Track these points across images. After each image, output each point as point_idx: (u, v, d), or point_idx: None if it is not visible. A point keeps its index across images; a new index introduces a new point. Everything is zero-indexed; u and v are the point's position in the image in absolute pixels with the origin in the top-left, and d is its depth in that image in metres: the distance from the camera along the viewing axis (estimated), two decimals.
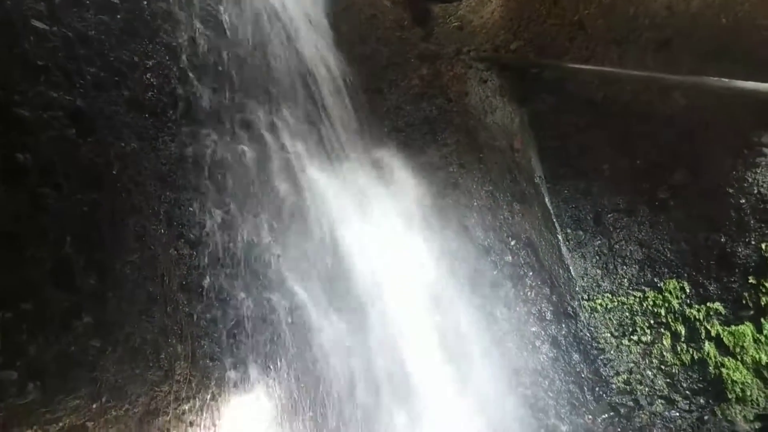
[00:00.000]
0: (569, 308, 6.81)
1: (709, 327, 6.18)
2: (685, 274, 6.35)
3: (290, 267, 5.72)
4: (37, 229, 3.61)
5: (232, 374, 5.02)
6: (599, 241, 6.87)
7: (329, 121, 7.03)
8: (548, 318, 6.92)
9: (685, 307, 6.30)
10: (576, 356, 6.74)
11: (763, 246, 5.91)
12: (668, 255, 6.47)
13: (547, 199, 7.57)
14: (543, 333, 6.91)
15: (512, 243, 7.23)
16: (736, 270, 6.05)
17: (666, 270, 6.45)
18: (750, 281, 5.99)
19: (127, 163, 4.38)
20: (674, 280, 6.37)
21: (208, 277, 4.95)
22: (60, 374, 3.56)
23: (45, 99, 3.85)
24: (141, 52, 4.93)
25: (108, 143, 4.23)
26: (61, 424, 3.79)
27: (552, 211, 7.46)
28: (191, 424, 4.77)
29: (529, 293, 7.06)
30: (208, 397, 4.83)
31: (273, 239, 5.63)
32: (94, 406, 3.91)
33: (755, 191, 5.99)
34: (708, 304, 6.20)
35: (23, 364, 3.36)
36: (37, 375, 3.43)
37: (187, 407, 4.69)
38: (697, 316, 6.22)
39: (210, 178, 5.19)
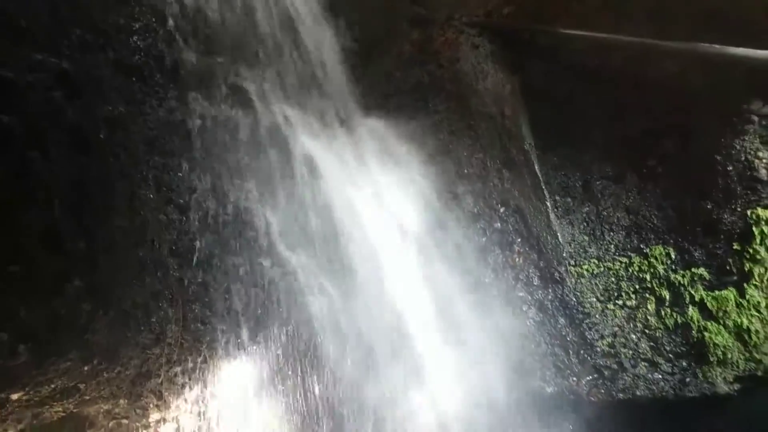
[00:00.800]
0: (556, 274, 6.90)
1: (693, 292, 6.29)
2: (671, 241, 6.44)
3: (281, 232, 5.74)
4: (25, 193, 3.59)
5: (223, 338, 5.09)
6: (587, 208, 6.93)
7: (319, 86, 6.97)
8: (535, 283, 7.02)
9: (670, 272, 6.40)
10: (562, 320, 6.86)
11: (749, 213, 5.99)
12: (655, 222, 6.55)
13: (536, 167, 7.59)
14: (530, 298, 7.01)
15: (501, 210, 7.28)
16: (722, 236, 6.15)
17: (652, 236, 6.53)
18: (734, 247, 6.08)
19: (114, 128, 4.34)
20: (660, 246, 6.46)
21: (198, 242, 4.97)
22: (51, 337, 3.60)
23: (30, 61, 3.79)
24: (127, 14, 4.84)
25: (95, 106, 4.19)
26: (53, 386, 3.85)
27: (541, 179, 7.49)
28: (183, 386, 4.86)
29: (517, 259, 7.14)
30: (200, 360, 4.90)
31: (263, 205, 5.64)
32: (86, 368, 3.97)
33: (742, 158, 6.04)
34: (693, 269, 6.31)
35: (13, 326, 3.39)
36: (27, 337, 3.46)
37: (179, 369, 4.76)
38: (681, 282, 6.33)
39: (199, 143, 5.15)
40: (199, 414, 5.05)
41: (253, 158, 5.73)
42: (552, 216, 7.07)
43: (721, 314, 6.18)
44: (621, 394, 6.60)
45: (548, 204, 7.11)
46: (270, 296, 5.58)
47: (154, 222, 4.58)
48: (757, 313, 6.09)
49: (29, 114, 3.66)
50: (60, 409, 4.01)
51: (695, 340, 6.31)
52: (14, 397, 3.57)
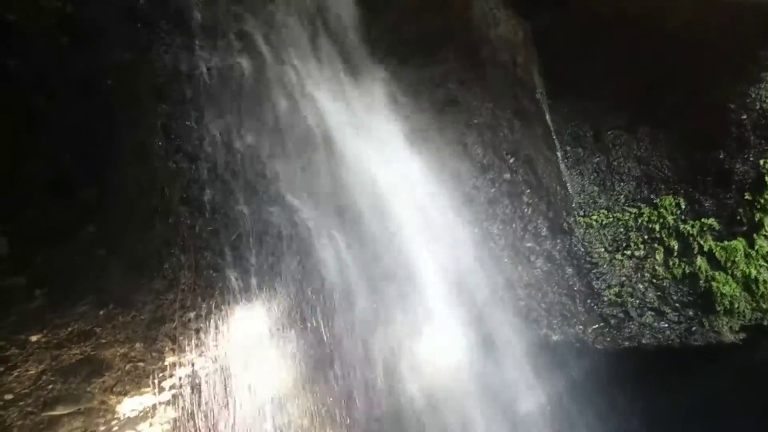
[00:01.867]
0: (565, 224, 6.91)
1: (702, 242, 6.30)
2: (682, 191, 6.40)
3: (290, 182, 5.76)
4: (33, 141, 3.62)
5: (235, 284, 5.18)
6: (598, 158, 6.87)
7: (328, 36, 6.86)
8: (544, 234, 7.03)
9: (680, 222, 6.39)
10: (569, 270, 6.90)
11: (761, 162, 5.93)
12: (666, 172, 6.50)
13: (547, 116, 7.50)
14: (538, 248, 7.04)
15: (511, 160, 7.23)
16: (733, 186, 6.11)
17: (663, 186, 6.49)
18: (746, 197, 6.05)
19: (121, 75, 4.32)
20: (670, 197, 6.43)
21: (207, 191, 5.01)
22: (67, 282, 3.69)
23: (35, 6, 3.75)
24: None
25: (101, 53, 4.16)
26: (69, 329, 3.98)
27: (552, 128, 7.40)
28: (197, 331, 4.98)
29: (525, 210, 7.14)
30: (213, 305, 5.01)
31: (272, 154, 5.64)
32: (101, 312, 4.08)
33: (757, 107, 5.94)
34: (702, 219, 6.30)
35: (30, 271, 3.48)
36: (44, 282, 3.56)
37: (192, 315, 4.88)
38: (690, 232, 6.33)
39: (206, 92, 5.13)
40: (213, 358, 5.20)
41: (261, 108, 5.70)
42: (562, 166, 7.03)
43: (729, 264, 6.20)
44: (626, 342, 6.70)
45: (558, 154, 7.06)
46: (279, 245, 5.65)
47: (164, 170, 4.61)
48: (765, 264, 6.11)
49: (35, 60, 3.65)
50: (77, 351, 4.15)
51: (702, 289, 6.35)
52: (33, 338, 3.69)
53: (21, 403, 4.03)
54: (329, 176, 6.04)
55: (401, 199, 6.47)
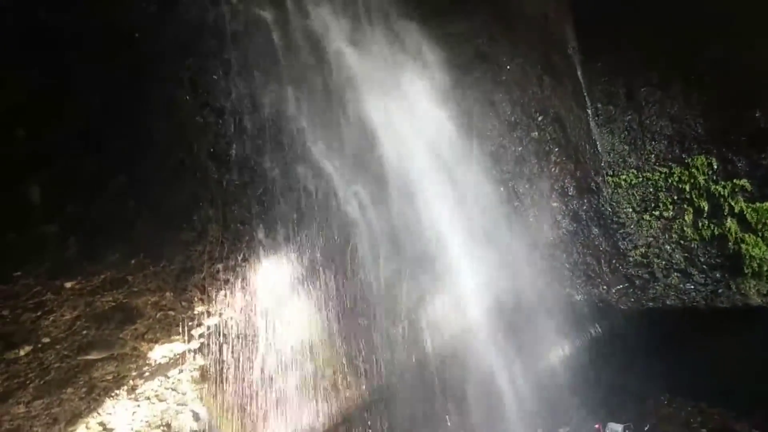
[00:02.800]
0: (593, 184, 6.82)
1: (733, 203, 6.17)
2: (714, 150, 6.24)
3: (315, 139, 5.78)
4: (64, 92, 3.69)
5: (261, 238, 5.28)
6: (629, 117, 6.71)
7: None
8: (571, 193, 6.97)
9: (711, 183, 6.26)
10: (596, 230, 6.86)
11: None
12: (699, 131, 6.33)
13: (579, 73, 7.32)
14: (564, 208, 7.00)
15: (539, 118, 7.12)
16: (767, 147, 5.94)
17: (695, 146, 6.34)
18: None
19: (147, 28, 4.33)
20: (702, 156, 6.28)
21: (234, 146, 5.05)
22: (98, 231, 3.80)
23: None
24: None
25: (127, 5, 4.17)
26: (102, 277, 4.12)
27: (583, 85, 7.23)
28: (225, 282, 5.12)
29: (553, 169, 7.07)
30: (240, 258, 5.12)
31: (298, 111, 5.65)
32: (132, 261, 4.20)
33: None
34: (734, 180, 6.15)
35: (62, 220, 3.59)
36: (76, 231, 3.67)
37: (220, 266, 5.00)
38: (722, 193, 6.20)
39: (232, 46, 5.12)
40: (240, 309, 5.35)
41: (288, 63, 5.68)
42: (592, 124, 6.90)
43: (760, 226, 6.08)
44: (651, 303, 6.68)
45: (589, 112, 6.92)
46: (305, 200, 5.71)
47: (192, 125, 4.66)
48: None
49: (68, 13, 3.68)
50: (110, 299, 4.30)
51: (731, 251, 6.26)
52: (68, 285, 3.84)
53: (57, 347, 4.23)
54: (354, 133, 6.04)
55: (427, 157, 6.45)
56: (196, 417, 5.71)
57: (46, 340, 4.05)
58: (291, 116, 5.65)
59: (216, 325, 5.29)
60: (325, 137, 5.80)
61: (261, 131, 5.38)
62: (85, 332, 4.31)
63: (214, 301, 5.09)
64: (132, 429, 5.40)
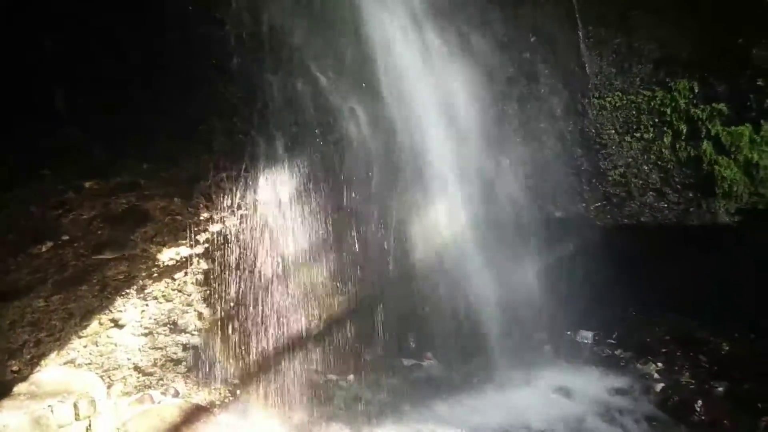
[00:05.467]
0: (579, 105, 7.06)
1: (710, 126, 6.46)
2: (697, 75, 6.44)
3: (313, 55, 5.91)
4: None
5: (262, 150, 5.53)
6: (619, 39, 6.84)
7: None
8: (557, 114, 7.21)
9: (691, 107, 6.51)
10: (579, 151, 7.16)
11: None
12: (684, 55, 6.51)
13: None
14: (550, 129, 7.26)
15: (532, 39, 7.24)
16: (747, 72, 6.15)
17: (680, 70, 6.53)
18: (758, 83, 6.13)
19: None
20: (685, 80, 6.49)
21: (235, 57, 5.19)
22: (116, 135, 4.03)
23: None
24: None
25: None
26: (118, 179, 4.39)
27: (576, 7, 7.29)
28: (229, 190, 5.41)
29: (542, 90, 7.27)
30: (243, 168, 5.39)
31: (297, 24, 5.73)
32: (145, 166, 4.46)
33: None
34: (713, 104, 6.40)
35: (84, 124, 3.81)
36: (99, 136, 3.90)
37: (224, 175, 5.28)
38: (700, 116, 6.47)
39: None
40: (241, 216, 5.67)
41: None
42: (582, 47, 7.03)
43: (733, 149, 6.41)
44: (626, 220, 7.11)
45: (580, 34, 7.02)
46: (303, 115, 5.92)
47: (197, 37, 4.78)
48: None
49: None
50: (124, 201, 4.59)
51: (705, 172, 6.60)
52: (87, 185, 4.10)
53: (75, 245, 4.54)
54: (353, 51, 6.15)
55: (419, 76, 6.60)
56: (200, 317, 6.15)
57: (66, 237, 4.36)
58: (289, 31, 5.74)
59: (220, 231, 5.62)
60: (323, 54, 5.93)
61: (260, 44, 5.49)
62: (100, 232, 4.63)
63: (218, 209, 5.39)
64: (141, 326, 5.84)
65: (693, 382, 6.55)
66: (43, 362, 5.14)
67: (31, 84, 3.57)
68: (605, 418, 5.87)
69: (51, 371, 5.22)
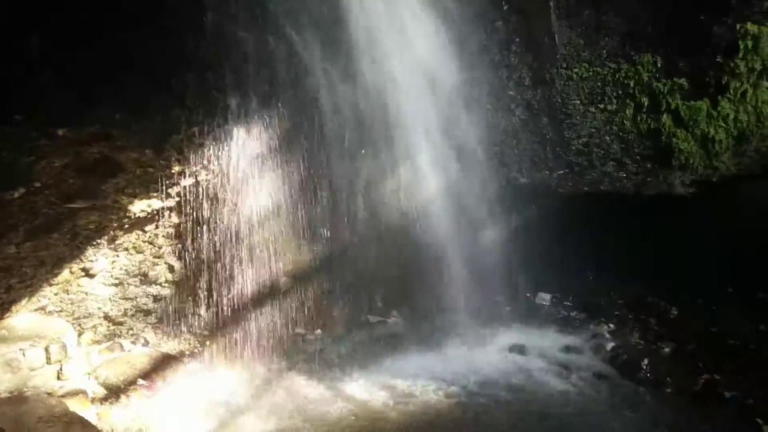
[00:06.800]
0: (547, 75, 7.22)
1: (670, 100, 6.69)
2: (661, 50, 6.64)
3: (287, 11, 5.94)
4: None
5: (235, 106, 5.60)
6: (589, 11, 6.98)
7: None
8: (526, 83, 7.38)
9: (653, 80, 6.73)
10: (545, 120, 7.36)
11: (738, 26, 6.17)
12: (649, 30, 6.68)
13: None
14: (519, 97, 7.44)
15: (505, 8, 7.34)
16: (708, 49, 6.37)
17: (644, 44, 6.72)
18: (717, 60, 6.37)
19: None
20: (649, 54, 6.68)
21: (209, 14, 5.22)
22: (91, 84, 4.08)
23: None
24: None
25: None
26: (90, 129, 4.46)
27: None
28: (201, 145, 5.50)
29: (512, 59, 7.41)
30: (215, 123, 5.47)
31: None
32: (117, 116, 4.53)
33: None
34: (674, 79, 6.63)
35: (57, 70, 3.85)
36: (70, 83, 3.95)
37: (196, 130, 5.36)
38: (662, 90, 6.70)
39: None
40: (213, 171, 5.77)
41: None
42: (553, 17, 7.17)
43: (691, 123, 6.67)
44: (586, 188, 7.38)
45: (551, 4, 7.15)
46: (276, 73, 5.98)
47: None
48: (724, 125, 6.58)
49: None
50: (96, 150, 4.66)
51: (663, 145, 6.87)
52: (60, 132, 4.17)
53: (47, 192, 4.61)
54: (326, 10, 6.20)
55: (392, 38, 6.68)
56: (171, 269, 6.28)
57: (38, 184, 4.43)
58: None
59: (191, 185, 5.72)
60: (297, 11, 5.96)
61: (234, 1, 5.52)
62: (71, 181, 4.70)
63: (190, 163, 5.48)
64: (112, 276, 5.95)
65: (642, 342, 6.96)
66: (14, 308, 5.25)
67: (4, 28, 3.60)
68: (554, 372, 6.24)
69: (22, 317, 5.34)
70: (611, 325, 7.38)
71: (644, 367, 6.32)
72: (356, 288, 7.37)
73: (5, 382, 4.69)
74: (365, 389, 5.92)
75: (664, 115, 6.81)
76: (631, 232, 7.36)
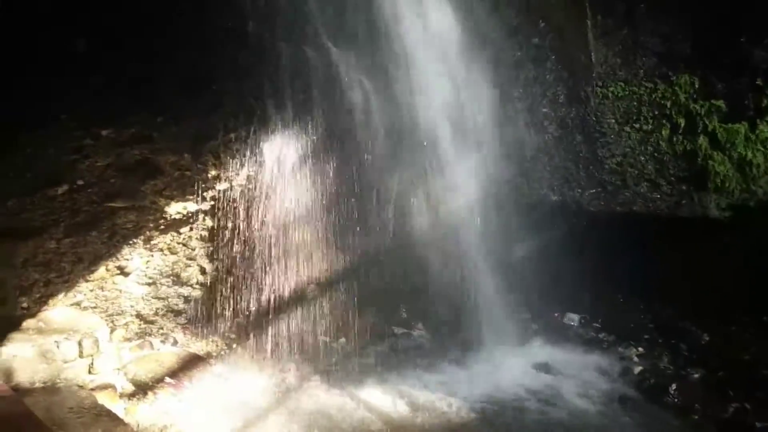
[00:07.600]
0: (582, 93, 7.21)
1: (707, 122, 6.62)
2: (699, 71, 6.59)
3: (325, 23, 6.08)
4: None
5: (271, 115, 5.74)
6: (625, 31, 6.98)
7: None
8: (561, 101, 7.38)
9: (691, 101, 6.67)
10: (579, 137, 7.34)
11: None
12: (688, 51, 6.64)
13: None
14: (553, 114, 7.43)
15: (542, 25, 7.37)
16: (747, 71, 6.29)
17: (682, 65, 6.67)
18: (757, 83, 6.27)
19: None
20: (687, 75, 6.63)
21: (250, 23, 5.37)
22: (131, 87, 4.24)
23: None
24: None
25: None
26: (132, 130, 4.62)
27: None
28: (237, 151, 5.63)
29: (548, 76, 7.42)
30: (251, 130, 5.61)
31: None
32: (159, 119, 4.69)
33: None
34: (712, 101, 6.56)
35: (103, 71, 4.01)
36: (114, 86, 4.11)
37: (233, 136, 5.50)
38: (699, 111, 6.63)
39: None
40: (248, 177, 5.90)
41: None
42: (590, 35, 7.16)
43: (728, 146, 6.57)
44: (618, 208, 7.30)
45: (588, 23, 7.16)
46: (312, 83, 6.11)
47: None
48: (762, 148, 6.46)
49: None
50: (137, 152, 4.83)
51: (699, 167, 6.77)
52: (103, 132, 4.33)
53: (89, 191, 4.79)
54: (364, 23, 6.31)
55: (428, 54, 6.76)
56: (203, 271, 6.40)
57: (81, 182, 4.60)
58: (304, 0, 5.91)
59: (226, 190, 5.85)
60: (335, 23, 6.09)
61: (275, 10, 5.67)
62: (113, 180, 4.87)
63: (226, 168, 5.62)
64: (145, 275, 6.10)
65: (671, 367, 6.79)
66: (51, 302, 5.42)
67: (52, 31, 3.77)
68: (580, 393, 6.13)
69: (59, 311, 5.51)
70: (640, 349, 7.22)
71: (672, 392, 6.16)
72: (382, 298, 7.38)
73: (40, 372, 4.84)
74: (388, 400, 5.90)
75: (701, 137, 6.72)
76: (663, 254, 7.23)
